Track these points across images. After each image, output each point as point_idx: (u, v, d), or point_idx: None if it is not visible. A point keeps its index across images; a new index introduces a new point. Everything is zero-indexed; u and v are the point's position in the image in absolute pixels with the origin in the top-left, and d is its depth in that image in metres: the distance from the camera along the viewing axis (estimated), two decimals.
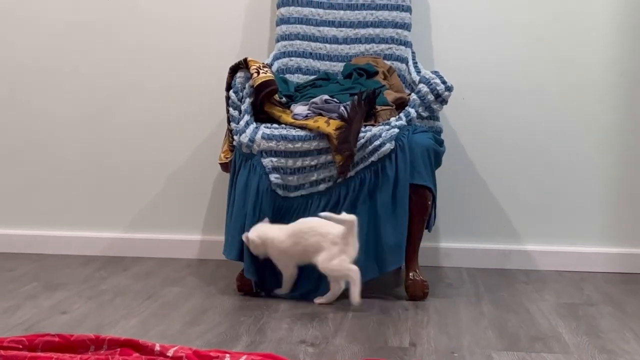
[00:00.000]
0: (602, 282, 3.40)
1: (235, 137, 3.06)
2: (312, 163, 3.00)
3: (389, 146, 2.95)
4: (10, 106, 3.76)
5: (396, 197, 2.94)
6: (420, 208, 3.00)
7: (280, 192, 3.02)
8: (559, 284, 3.38)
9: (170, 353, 2.22)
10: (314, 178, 3.00)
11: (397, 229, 2.92)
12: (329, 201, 2.99)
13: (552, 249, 3.64)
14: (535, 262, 3.63)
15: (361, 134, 2.96)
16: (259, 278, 3.01)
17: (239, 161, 3.06)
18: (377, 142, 2.95)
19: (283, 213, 3.01)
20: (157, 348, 2.25)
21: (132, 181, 3.76)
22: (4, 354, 2.12)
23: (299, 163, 3.00)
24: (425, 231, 3.11)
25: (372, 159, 2.96)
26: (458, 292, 3.17)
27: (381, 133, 2.97)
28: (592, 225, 3.63)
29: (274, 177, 3.01)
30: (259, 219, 2.97)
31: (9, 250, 3.74)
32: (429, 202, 3.02)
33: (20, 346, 2.26)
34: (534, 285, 3.33)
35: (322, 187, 3.00)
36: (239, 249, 3.00)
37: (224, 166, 3.20)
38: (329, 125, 2.98)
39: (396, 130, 2.98)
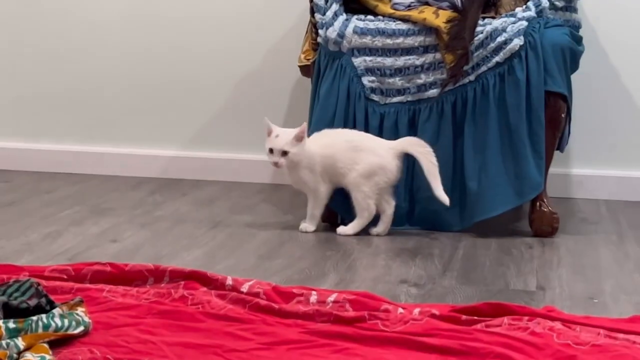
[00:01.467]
0: None
1: (320, 32, 3.04)
2: (418, 62, 2.97)
3: (517, 42, 2.90)
4: (54, 11, 3.79)
5: (531, 106, 2.91)
6: (553, 121, 2.96)
7: (376, 97, 3.00)
8: None
9: (244, 289, 2.23)
10: (421, 81, 2.98)
11: (535, 146, 2.91)
12: (442, 110, 2.97)
13: None
14: None
15: (479, 28, 2.91)
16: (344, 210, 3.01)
17: (325, 62, 3.05)
18: (501, 38, 2.91)
19: (381, 124, 2.98)
20: (229, 282, 2.26)
21: (192, 90, 3.77)
22: (46, 285, 2.15)
23: (400, 62, 2.97)
24: (557, 152, 3.08)
25: (497, 59, 2.92)
26: (595, 229, 3.13)
27: (506, 27, 2.92)
28: None
29: (367, 80, 2.99)
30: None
31: (47, 169, 3.79)
32: (563, 115, 2.98)
33: (65, 276, 2.30)
34: None
35: (432, 91, 2.97)
36: None
37: (305, 69, 3.18)
38: (438, 17, 2.95)
39: (525, 23, 2.93)
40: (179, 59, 3.77)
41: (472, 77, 2.94)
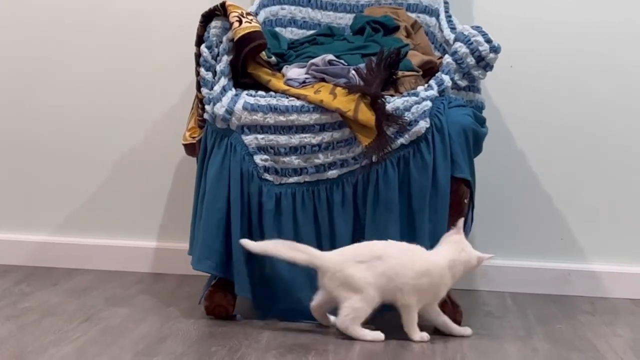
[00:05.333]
0: None
1: (207, 108, 3.04)
2: (314, 141, 2.99)
3: (423, 124, 2.95)
4: None
5: (436, 192, 2.95)
6: (455, 207, 2.99)
7: (270, 177, 3.00)
8: (635, 315, 3.37)
9: None
10: (319, 161, 2.99)
11: (438, 235, 2.93)
12: (343, 192, 3.00)
13: (626, 269, 3.64)
14: (603, 287, 3.63)
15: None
16: (254, 296, 3.01)
17: (212, 140, 3.05)
18: (405, 119, 2.95)
19: (278, 206, 2.99)
20: None
21: (65, 171, 3.75)
22: None
23: (295, 140, 2.99)
24: None
25: (402, 140, 2.95)
26: (501, 323, 3.16)
27: (409, 106, 2.96)
28: None
29: (260, 159, 2.99)
30: (241, 216, 2.97)
31: None
32: (465, 200, 3.01)
33: None
34: (602, 316, 3.33)
35: (332, 172, 3.00)
36: (216, 258, 2.99)
37: (190, 148, 3.19)
38: (336, 98, 2.97)
39: (429, 103, 2.97)
40: (47, 129, 3.74)
41: (374, 159, 2.96)
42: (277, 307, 3.03)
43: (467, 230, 3.11)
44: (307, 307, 2.94)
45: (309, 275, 2.93)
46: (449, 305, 3.01)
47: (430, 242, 2.93)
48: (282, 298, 3.02)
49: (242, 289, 3.00)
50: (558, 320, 3.23)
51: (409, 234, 2.96)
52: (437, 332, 2.95)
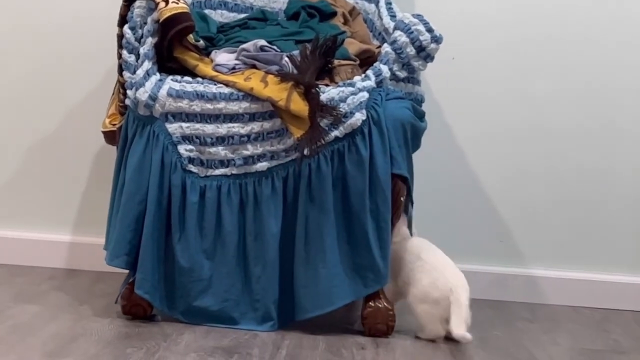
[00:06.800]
0: (634, 323, 3.44)
1: (129, 93, 3.01)
2: (243, 131, 2.96)
3: (359, 117, 2.93)
4: None
5: (376, 188, 2.94)
6: (392, 205, 2.98)
7: (195, 168, 2.97)
8: (574, 323, 3.40)
9: None
10: (248, 152, 2.97)
11: (380, 233, 2.94)
12: (272, 186, 2.97)
13: (566, 275, 3.67)
14: (543, 293, 3.66)
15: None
16: (154, 297, 2.98)
17: (133, 127, 3.02)
18: (340, 110, 2.93)
19: (202, 199, 2.96)
20: None
21: None
22: None
23: (222, 130, 2.96)
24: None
25: (336, 133, 2.94)
26: None
27: (344, 97, 2.94)
28: (622, 248, 3.68)
29: (184, 149, 2.96)
30: (159, 209, 2.94)
31: None
32: (402, 198, 3.02)
33: None
34: (541, 323, 3.36)
35: (261, 164, 2.98)
36: (131, 254, 2.96)
37: (110, 135, 3.17)
38: (267, 86, 2.95)
39: (366, 94, 2.96)
40: None
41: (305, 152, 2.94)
42: (177, 308, 3.01)
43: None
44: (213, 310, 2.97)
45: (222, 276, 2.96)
46: (383, 307, 3.02)
47: (375, 244, 2.94)
48: (186, 298, 2.99)
49: (141, 287, 2.96)
50: (495, 327, 3.25)
51: (347, 233, 2.96)
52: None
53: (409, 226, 3.14)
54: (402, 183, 3.00)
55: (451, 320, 2.89)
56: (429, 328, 2.98)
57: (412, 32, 3.04)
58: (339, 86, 2.98)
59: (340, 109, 2.92)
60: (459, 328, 2.87)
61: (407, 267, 3.03)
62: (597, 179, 3.67)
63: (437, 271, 2.97)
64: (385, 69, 3.03)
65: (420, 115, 3.12)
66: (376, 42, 3.35)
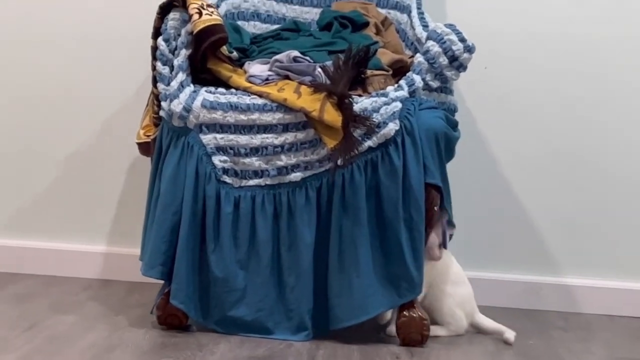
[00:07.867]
0: None
1: (164, 105, 3.02)
2: (277, 142, 2.98)
3: (392, 127, 2.94)
4: None
5: (409, 198, 2.95)
6: (425, 215, 2.99)
7: (229, 179, 2.99)
8: (610, 332, 3.40)
9: None
10: (282, 163, 2.99)
11: (414, 243, 2.94)
12: (306, 197, 2.99)
13: (601, 284, 3.66)
14: (578, 302, 3.65)
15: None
16: (189, 307, 2.99)
17: (168, 139, 3.03)
18: (373, 120, 2.94)
19: (236, 210, 2.98)
20: None
21: (9, 169, 3.72)
22: None
23: (256, 141, 2.97)
24: None
25: (370, 143, 2.95)
26: (469, 339, 3.17)
27: (377, 107, 2.96)
28: None
29: (219, 160, 2.98)
30: (193, 220, 2.95)
31: None
32: (436, 208, 3.03)
33: None
34: (576, 332, 3.35)
35: (295, 175, 2.99)
36: (166, 265, 2.98)
37: (144, 147, 3.18)
38: (300, 97, 2.97)
39: (399, 104, 2.97)
40: None
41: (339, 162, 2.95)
42: (211, 318, 3.02)
43: (446, 238, 3.16)
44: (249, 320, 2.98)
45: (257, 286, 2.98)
46: (417, 317, 3.03)
47: (409, 253, 2.95)
48: (220, 308, 3.01)
49: (176, 297, 2.97)
50: (529, 336, 3.24)
51: (380, 242, 2.97)
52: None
53: (443, 237, 3.13)
54: (436, 192, 3.01)
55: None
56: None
57: (444, 42, 3.06)
58: (372, 96, 3.00)
59: (374, 119, 2.94)
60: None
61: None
62: (634, 188, 3.66)
63: None
64: (418, 78, 3.04)
65: (453, 125, 3.12)
66: (409, 52, 3.36)
